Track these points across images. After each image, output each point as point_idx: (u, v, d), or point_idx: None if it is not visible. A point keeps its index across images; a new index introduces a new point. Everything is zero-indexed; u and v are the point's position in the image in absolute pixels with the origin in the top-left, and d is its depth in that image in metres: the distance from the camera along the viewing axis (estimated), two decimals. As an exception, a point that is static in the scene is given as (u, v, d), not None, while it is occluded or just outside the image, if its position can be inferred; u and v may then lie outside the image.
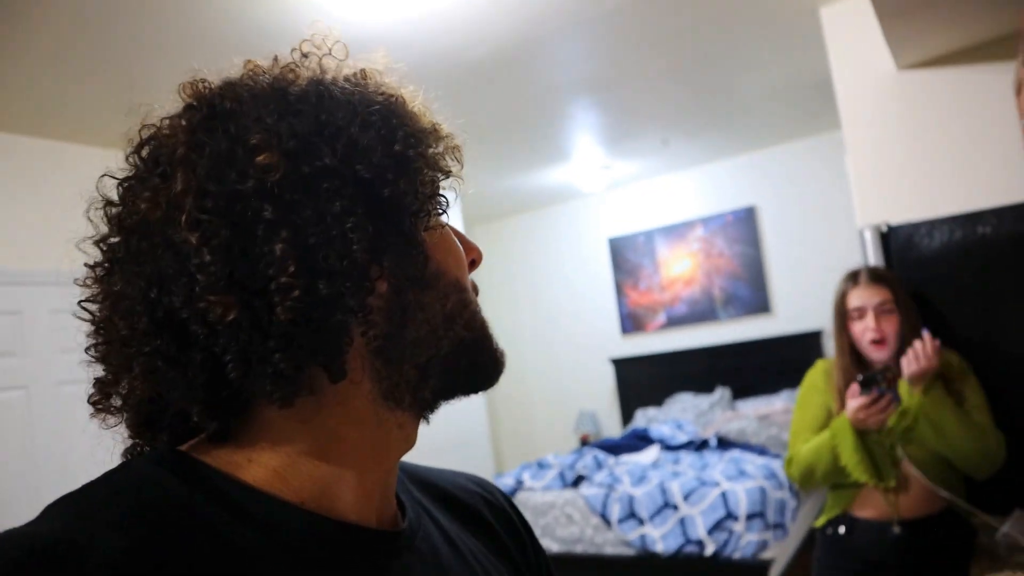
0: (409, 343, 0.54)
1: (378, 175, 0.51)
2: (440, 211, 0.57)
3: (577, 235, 6.20)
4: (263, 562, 0.47)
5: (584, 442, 5.55)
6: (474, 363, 0.58)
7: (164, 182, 0.50)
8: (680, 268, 5.69)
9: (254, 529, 0.48)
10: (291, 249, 0.47)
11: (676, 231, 5.70)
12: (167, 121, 0.53)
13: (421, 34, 2.76)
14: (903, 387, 1.82)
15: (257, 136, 0.49)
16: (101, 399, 0.53)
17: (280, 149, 0.49)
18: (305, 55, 0.57)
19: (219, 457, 0.51)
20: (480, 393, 0.60)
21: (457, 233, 0.61)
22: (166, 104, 0.55)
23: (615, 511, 3.68)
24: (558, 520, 3.81)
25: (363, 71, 0.57)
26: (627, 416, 5.80)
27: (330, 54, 0.58)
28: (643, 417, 5.43)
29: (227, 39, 2.58)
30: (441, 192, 0.57)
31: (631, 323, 5.93)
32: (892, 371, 1.78)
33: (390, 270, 0.52)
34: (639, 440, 4.83)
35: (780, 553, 3.48)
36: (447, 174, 0.57)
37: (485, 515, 0.69)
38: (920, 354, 1.78)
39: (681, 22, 3.02)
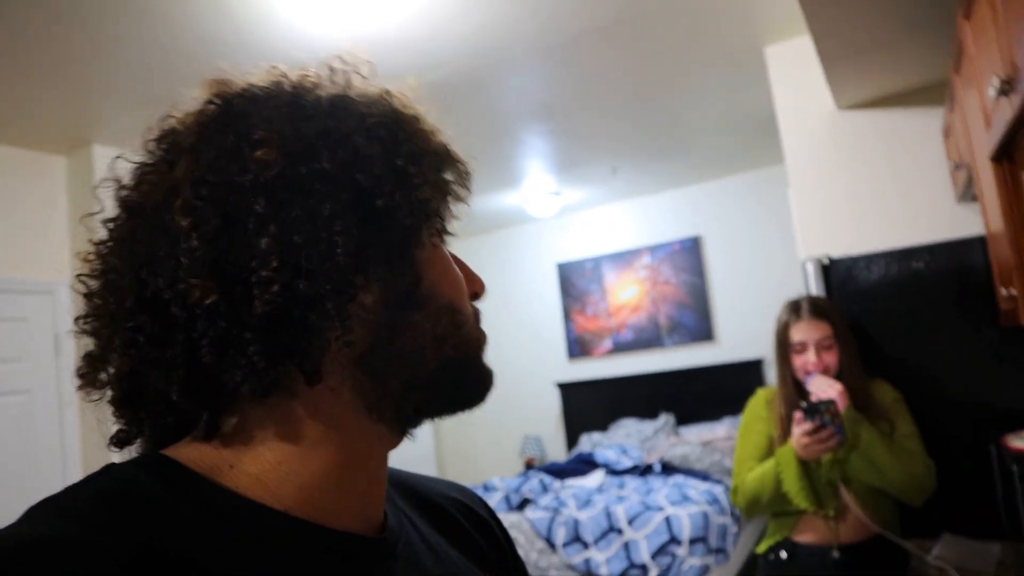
0: (395, 358, 0.54)
1: (375, 185, 0.52)
2: (436, 230, 0.57)
3: (526, 259, 6.24)
4: (247, 569, 0.47)
5: (529, 465, 5.55)
6: (460, 382, 0.58)
7: (169, 169, 0.51)
8: (627, 295, 5.77)
9: (238, 536, 0.48)
10: (276, 244, 0.48)
11: (624, 258, 5.79)
12: (185, 114, 0.54)
13: (375, 53, 2.75)
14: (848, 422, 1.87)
15: (260, 132, 0.50)
16: (88, 372, 0.53)
17: (281, 148, 0.50)
18: (333, 69, 0.58)
19: (202, 461, 0.51)
20: (466, 411, 0.60)
21: (462, 264, 0.62)
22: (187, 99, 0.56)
23: (560, 535, 3.68)
24: (503, 545, 3.80)
25: (387, 90, 0.58)
26: (572, 440, 5.82)
27: (357, 72, 0.58)
28: (588, 441, 5.46)
29: (180, 49, 2.56)
30: (440, 214, 0.57)
31: (578, 348, 5.98)
32: (834, 405, 1.83)
33: (378, 283, 0.52)
34: (584, 464, 4.85)
35: (721, 578, 3.54)
36: (448, 195, 0.58)
37: (466, 524, 0.69)
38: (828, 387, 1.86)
39: (632, 56, 3.10)
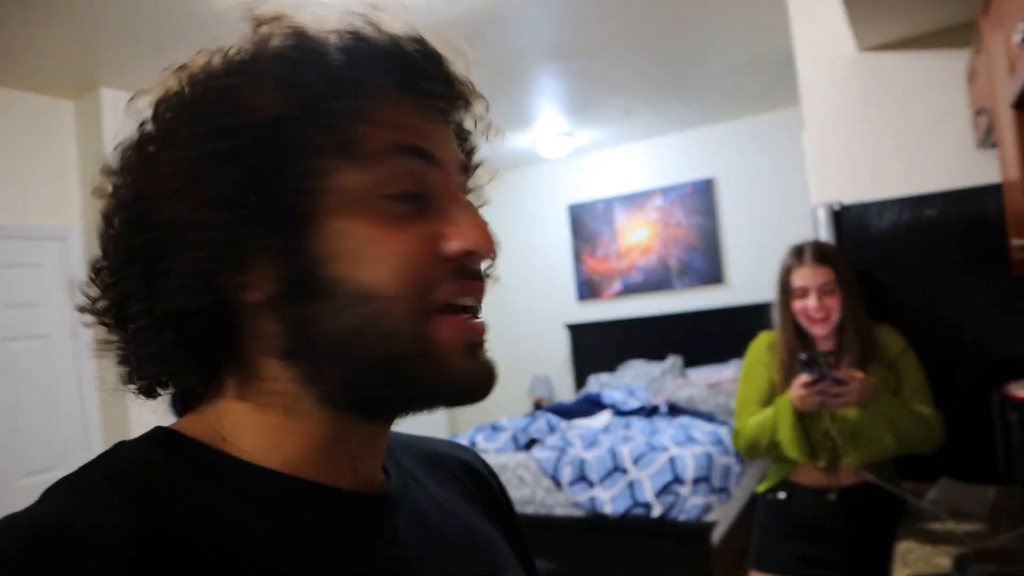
0: (317, 353, 0.50)
1: (248, 149, 0.47)
2: (342, 203, 0.48)
3: (537, 201, 6.21)
4: (258, 531, 0.48)
5: (538, 406, 5.63)
6: (404, 383, 0.51)
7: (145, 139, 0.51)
8: (638, 237, 5.76)
9: (247, 500, 0.49)
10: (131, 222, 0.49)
11: (635, 200, 5.76)
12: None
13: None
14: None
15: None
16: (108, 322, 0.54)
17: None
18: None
19: (203, 430, 0.52)
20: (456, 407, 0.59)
21: (454, 215, 0.51)
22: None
23: (566, 474, 3.76)
24: (510, 482, 3.89)
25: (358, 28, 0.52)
26: (580, 381, 5.89)
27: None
28: (596, 383, 5.52)
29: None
30: (353, 145, 0.48)
31: (587, 290, 6.00)
32: (834, 355, 1.83)
33: (264, 271, 0.48)
34: (591, 405, 4.92)
35: (724, 516, 3.62)
36: (384, 123, 0.49)
37: (467, 480, 0.70)
38: (852, 391, 1.80)
39: (649, -8, 3.02)
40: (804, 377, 1.82)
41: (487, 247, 0.51)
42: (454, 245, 0.50)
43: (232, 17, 0.53)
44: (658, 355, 5.52)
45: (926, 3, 2.35)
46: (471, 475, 0.72)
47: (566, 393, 6.01)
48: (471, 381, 0.52)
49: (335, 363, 0.49)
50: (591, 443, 3.99)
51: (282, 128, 0.46)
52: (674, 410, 4.63)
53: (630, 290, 5.81)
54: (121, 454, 0.50)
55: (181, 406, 0.55)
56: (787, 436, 1.90)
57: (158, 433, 0.52)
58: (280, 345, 0.50)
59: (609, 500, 3.62)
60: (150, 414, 0.56)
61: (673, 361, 5.37)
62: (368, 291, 0.47)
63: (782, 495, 2.02)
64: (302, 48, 0.49)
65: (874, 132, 2.73)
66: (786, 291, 1.99)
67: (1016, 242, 1.79)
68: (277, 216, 0.47)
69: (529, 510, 3.82)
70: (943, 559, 1.65)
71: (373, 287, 0.47)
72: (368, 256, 0.47)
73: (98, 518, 0.43)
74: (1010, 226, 1.88)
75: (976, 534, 1.73)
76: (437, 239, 0.50)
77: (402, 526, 0.56)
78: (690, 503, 3.50)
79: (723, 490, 3.69)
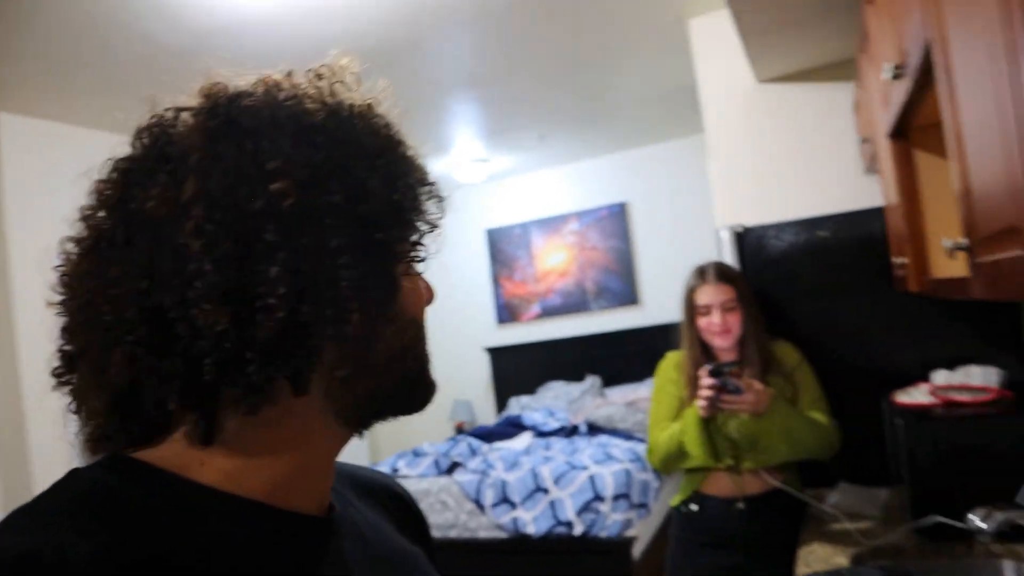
0: (364, 368, 0.57)
1: (376, 219, 0.55)
2: (422, 259, 0.62)
3: (455, 226, 6.23)
4: (218, 554, 0.50)
5: (459, 430, 5.63)
6: (412, 393, 0.63)
7: (173, 182, 0.51)
8: (555, 260, 5.87)
9: (208, 525, 0.51)
10: (285, 273, 0.50)
11: (551, 224, 5.88)
12: (180, 116, 0.54)
13: (300, 21, 2.73)
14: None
15: (275, 162, 0.51)
16: (65, 372, 0.54)
17: (294, 178, 0.51)
18: (319, 76, 0.59)
19: (174, 459, 0.53)
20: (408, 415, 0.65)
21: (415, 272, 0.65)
22: (169, 96, 0.56)
23: (488, 496, 3.78)
24: (433, 507, 3.88)
25: (370, 104, 0.60)
26: (501, 404, 5.93)
27: (342, 81, 0.59)
28: (517, 405, 5.57)
29: (88, 10, 2.46)
30: (423, 242, 0.62)
31: (507, 313, 6.06)
32: (738, 366, 1.96)
33: (364, 303, 0.55)
34: (512, 427, 4.97)
35: (644, 530, 3.71)
36: (433, 226, 0.62)
37: (393, 505, 0.76)
38: (747, 399, 1.91)
39: (558, 26, 3.13)
40: (706, 380, 1.92)
41: (434, 295, 0.67)
42: (429, 294, 0.65)
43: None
44: (577, 376, 5.62)
45: (815, 41, 2.53)
46: (395, 500, 0.77)
47: (488, 416, 6.03)
48: (433, 393, 0.65)
49: (380, 377, 0.59)
50: (512, 465, 4.03)
51: (405, 217, 0.59)
52: (593, 429, 4.72)
53: (548, 313, 5.90)
54: (78, 482, 0.51)
55: (127, 440, 0.55)
56: (692, 440, 2.00)
57: (116, 461, 0.53)
58: (334, 362, 0.55)
59: (531, 521, 3.65)
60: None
61: (592, 381, 5.48)
62: (415, 318, 0.62)
63: (694, 507, 2.11)
64: (406, 151, 0.61)
65: (773, 158, 2.89)
66: (691, 309, 2.10)
67: (896, 261, 1.94)
68: (391, 268, 0.58)
69: (453, 534, 3.82)
70: (841, 558, 1.76)
71: (417, 315, 0.62)
72: (414, 292, 0.62)
73: (66, 547, 0.44)
74: (892, 246, 2.04)
75: (871, 532, 1.85)
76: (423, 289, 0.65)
77: (347, 546, 0.61)
78: (611, 520, 3.58)
79: (642, 505, 3.78)
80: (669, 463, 2.10)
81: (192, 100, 0.56)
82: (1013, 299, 0.77)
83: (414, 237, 0.60)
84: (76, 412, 0.55)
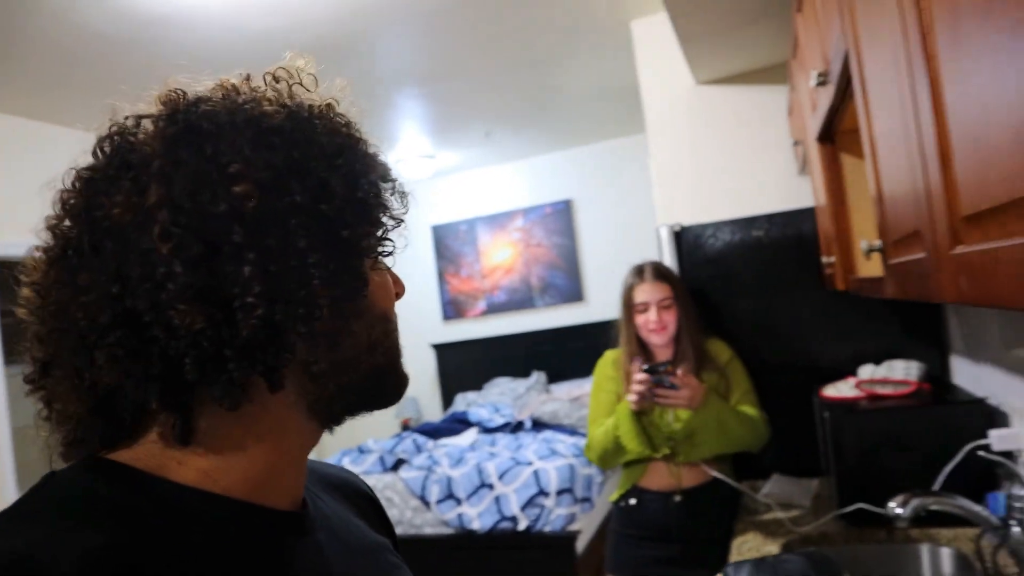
0: (335, 364, 0.59)
1: (340, 217, 0.56)
2: (388, 253, 0.63)
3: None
4: (202, 552, 0.52)
5: (405, 427, 5.62)
6: (383, 387, 0.64)
7: (136, 188, 0.52)
8: (500, 257, 5.89)
9: (190, 524, 0.52)
10: (258, 272, 0.51)
11: (497, 221, 5.90)
12: (139, 124, 0.55)
13: (241, 14, 2.69)
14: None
15: (236, 165, 0.52)
16: (39, 378, 0.55)
17: (255, 180, 0.52)
18: (276, 79, 0.60)
19: (150, 460, 0.54)
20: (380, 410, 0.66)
21: (387, 268, 0.67)
22: (125, 102, 0.56)
23: (434, 492, 3.79)
24: (378, 503, 3.87)
25: (329, 104, 0.61)
26: (448, 400, 5.94)
27: (299, 83, 0.61)
28: (463, 401, 5.59)
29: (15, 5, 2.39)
30: (389, 236, 0.63)
31: (452, 309, 6.07)
32: (672, 364, 2.01)
33: (333, 300, 0.56)
34: (458, 423, 4.98)
35: (587, 525, 3.76)
36: (398, 221, 0.63)
37: (357, 499, 0.78)
38: (682, 395, 1.98)
39: (504, 24, 3.15)
40: (638, 376, 1.97)
41: (404, 288, 0.69)
42: (398, 288, 0.68)
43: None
44: (523, 372, 5.66)
45: (751, 45, 2.60)
46: (359, 495, 0.79)
47: (434, 413, 6.03)
48: (405, 387, 0.67)
49: (351, 371, 0.60)
50: (458, 461, 4.04)
51: (369, 214, 0.60)
52: (538, 425, 4.76)
53: (494, 309, 5.93)
54: (59, 485, 0.51)
55: (100, 442, 0.56)
56: (627, 433, 2.06)
57: (94, 462, 0.53)
58: (305, 358, 0.56)
59: (477, 516, 3.68)
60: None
61: (537, 377, 5.53)
62: (385, 312, 0.63)
63: (632, 501, 2.15)
64: (367, 149, 0.62)
65: (711, 158, 2.96)
66: (628, 306, 2.15)
67: (825, 260, 2.02)
68: (359, 264, 0.60)
69: (399, 531, 3.80)
70: (773, 547, 1.83)
71: (387, 310, 0.64)
72: (383, 287, 0.64)
73: (57, 551, 0.44)
74: (821, 245, 2.12)
75: (801, 521, 1.92)
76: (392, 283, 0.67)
77: (322, 540, 0.63)
78: (555, 514, 3.62)
79: (586, 500, 3.84)
80: (606, 458, 2.15)
81: (151, 107, 0.57)
82: (919, 299, 0.81)
83: (379, 232, 0.61)
84: (47, 418, 0.56)
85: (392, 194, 0.63)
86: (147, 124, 0.55)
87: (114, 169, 0.54)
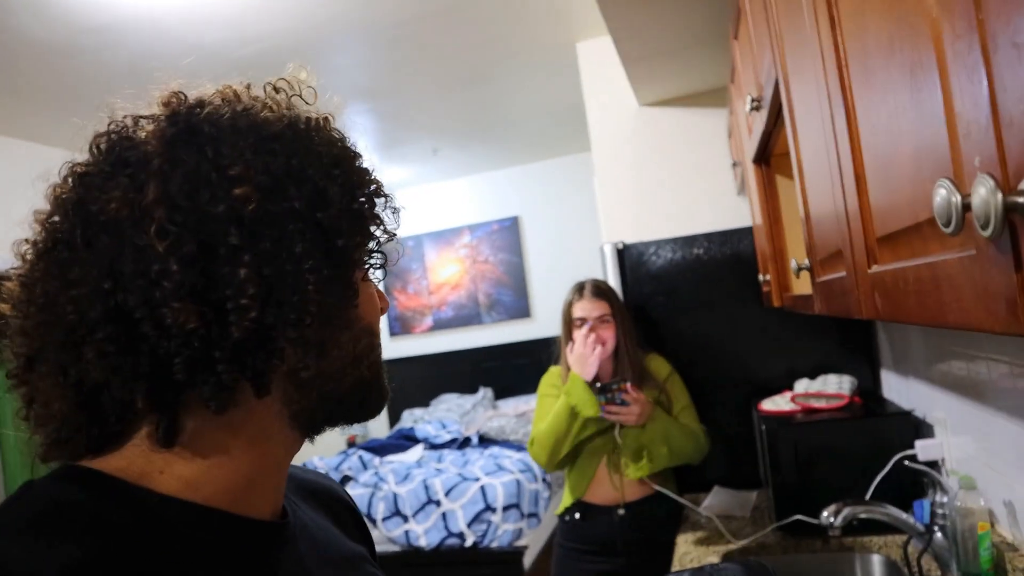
0: (320, 373, 0.58)
1: (335, 226, 0.57)
2: (378, 267, 0.64)
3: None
4: (183, 566, 0.51)
5: (351, 444, 5.56)
6: (365, 399, 0.64)
7: (134, 185, 0.51)
8: (448, 273, 5.90)
9: (170, 536, 0.51)
10: (252, 274, 0.51)
11: (444, 237, 5.91)
12: (138, 122, 0.55)
13: (180, 25, 2.67)
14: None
15: (236, 168, 0.52)
16: (23, 374, 0.53)
17: (255, 183, 0.53)
18: (277, 90, 0.61)
19: (131, 468, 0.53)
20: (362, 422, 0.66)
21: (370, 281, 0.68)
22: (125, 103, 0.56)
23: (380, 510, 3.76)
24: (322, 522, 3.82)
25: (326, 118, 0.62)
26: (395, 417, 5.90)
27: (299, 95, 0.62)
28: (410, 417, 5.56)
29: None
30: (380, 250, 0.64)
31: (399, 325, 6.04)
32: (624, 383, 2.05)
33: (324, 308, 0.56)
34: (405, 440, 4.95)
35: (534, 540, 3.78)
36: (390, 236, 0.64)
37: (336, 506, 0.78)
38: (632, 411, 2.04)
39: (451, 43, 3.18)
40: (580, 333, 2.09)
41: (388, 304, 0.71)
42: (383, 303, 0.68)
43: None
44: (470, 388, 5.67)
45: (691, 69, 2.68)
46: (338, 501, 0.79)
47: (380, 430, 5.98)
48: (386, 400, 0.67)
49: (336, 383, 0.60)
50: (404, 478, 4.02)
51: (363, 224, 0.61)
52: (485, 441, 4.77)
53: (441, 325, 5.92)
54: (37, 497, 0.50)
55: (85, 446, 0.55)
56: (580, 398, 2.07)
57: (73, 471, 0.52)
58: (292, 366, 0.56)
59: (423, 533, 3.66)
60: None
61: (484, 393, 5.53)
62: (371, 326, 0.64)
63: (577, 515, 2.18)
64: (361, 163, 0.64)
65: (653, 178, 3.03)
66: (568, 322, 2.19)
67: (761, 278, 2.08)
68: (351, 274, 0.60)
69: (342, 550, 3.77)
70: (713, 557, 1.87)
71: (372, 324, 0.64)
72: (370, 300, 0.64)
73: (36, 565, 0.44)
74: (759, 264, 2.19)
75: (741, 532, 1.97)
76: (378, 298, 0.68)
77: (302, 549, 0.63)
78: (501, 530, 3.63)
79: (533, 515, 3.85)
80: (557, 444, 2.11)
81: (150, 109, 0.57)
82: (842, 316, 0.86)
83: (371, 245, 0.62)
84: (26, 417, 0.55)
85: (385, 209, 0.64)
86: (146, 124, 0.55)
87: (111, 165, 0.53)
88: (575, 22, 3.08)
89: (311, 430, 0.62)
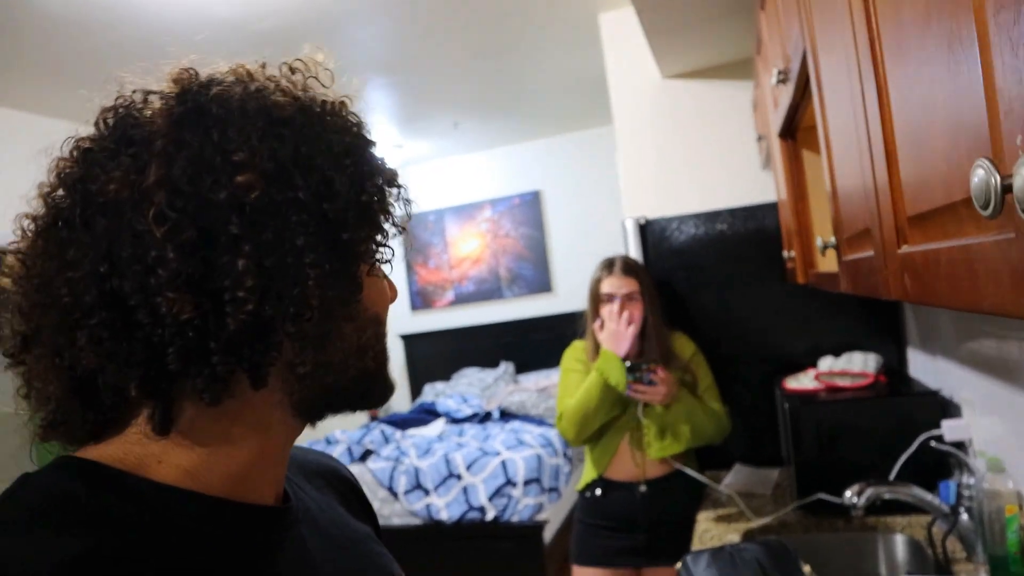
0: (322, 364, 0.57)
1: (341, 218, 0.55)
2: (386, 260, 0.62)
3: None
4: (183, 555, 0.50)
5: (373, 417, 5.60)
6: (370, 390, 0.63)
7: (136, 166, 0.50)
8: (469, 247, 5.89)
9: (170, 525, 0.51)
10: (252, 266, 0.50)
11: (466, 211, 5.89)
12: (147, 99, 0.53)
13: (200, 0, 2.65)
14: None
15: (241, 154, 0.51)
16: (19, 353, 0.53)
17: (260, 170, 0.51)
18: (293, 70, 0.59)
19: (127, 458, 0.52)
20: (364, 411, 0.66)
21: (379, 271, 0.66)
22: (136, 78, 0.55)
23: (402, 483, 3.80)
24: (345, 495, 3.87)
25: (342, 102, 0.59)
26: (416, 391, 5.93)
27: (315, 77, 0.59)
28: (431, 391, 5.59)
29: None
30: (389, 243, 0.62)
31: (421, 300, 6.05)
32: (654, 364, 2.03)
33: (326, 299, 0.55)
34: (426, 414, 4.98)
35: (555, 514, 3.80)
36: (400, 229, 0.62)
37: (340, 485, 0.78)
38: (659, 391, 2.03)
39: (472, 14, 3.14)
40: (609, 309, 2.09)
41: (396, 293, 0.68)
42: (392, 292, 0.67)
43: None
44: (491, 362, 5.68)
45: (717, 40, 2.62)
46: (342, 481, 0.79)
47: (402, 403, 6.02)
48: (391, 392, 0.66)
49: (337, 373, 0.59)
50: (425, 452, 4.05)
51: (371, 217, 0.59)
52: (506, 415, 4.78)
53: (462, 300, 5.93)
54: (34, 489, 0.49)
55: (83, 431, 0.54)
56: (613, 369, 2.05)
57: (71, 462, 0.52)
58: (292, 356, 0.55)
59: (444, 507, 3.69)
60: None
61: (505, 368, 5.54)
62: (377, 316, 0.62)
63: (598, 491, 2.18)
64: (375, 152, 0.62)
65: (676, 152, 2.99)
66: (596, 298, 2.17)
67: (786, 254, 2.05)
68: (356, 268, 0.58)
69: (365, 522, 3.81)
70: (734, 535, 1.86)
71: (379, 313, 0.63)
72: (376, 290, 0.62)
73: (33, 560, 0.43)
74: (783, 240, 2.15)
75: (762, 510, 1.96)
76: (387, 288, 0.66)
77: (305, 532, 0.62)
78: (522, 504, 3.65)
79: (553, 490, 3.87)
80: (587, 420, 2.10)
81: (161, 84, 0.55)
82: (871, 296, 0.83)
83: (379, 238, 0.60)
84: (27, 396, 0.54)
85: (397, 200, 0.62)
86: (155, 100, 0.54)
87: (115, 142, 0.52)
88: (597, -8, 3.02)
89: (313, 417, 0.61)
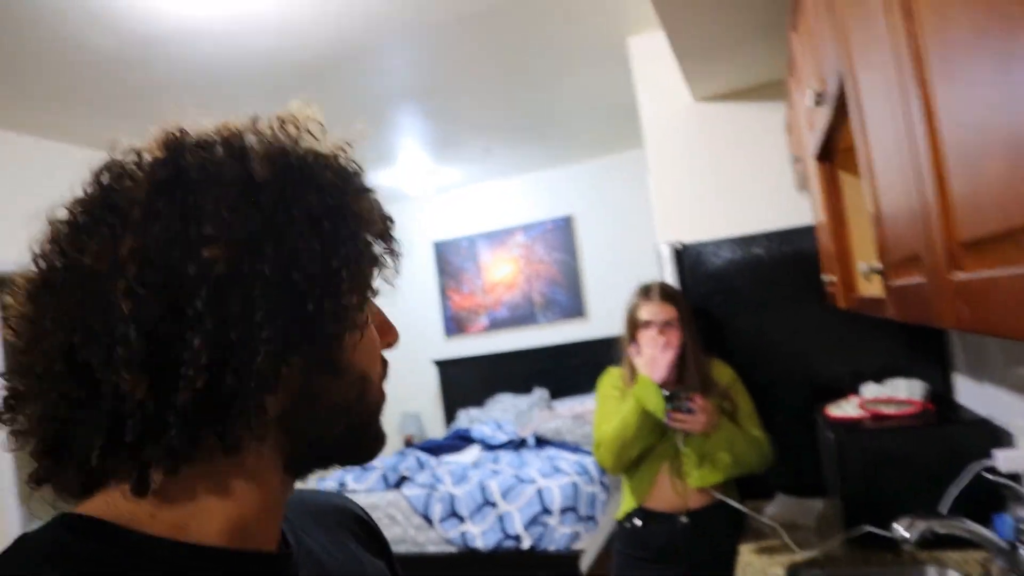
0: (311, 420, 0.57)
1: (308, 288, 0.53)
2: (363, 323, 0.60)
3: (402, 238, 6.20)
4: None
5: (408, 443, 5.59)
6: (359, 444, 0.63)
7: (113, 235, 0.50)
8: (502, 273, 5.89)
9: (165, 572, 0.51)
10: (208, 342, 0.49)
11: (498, 237, 5.90)
12: (140, 157, 0.54)
13: (236, 32, 2.70)
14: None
15: (211, 226, 0.50)
16: (6, 412, 0.53)
17: (227, 242, 0.50)
18: (283, 123, 0.58)
19: (120, 515, 0.52)
20: (356, 465, 0.65)
21: (379, 314, 0.65)
22: (130, 128, 0.56)
23: (437, 510, 3.77)
24: (381, 521, 3.84)
25: (335, 155, 0.58)
26: (450, 416, 5.91)
27: (308, 131, 0.58)
28: (466, 417, 5.56)
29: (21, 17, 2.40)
30: (364, 306, 0.59)
31: (454, 325, 6.05)
32: (693, 390, 1.99)
33: (301, 361, 0.55)
34: (461, 440, 4.96)
35: (591, 544, 3.73)
36: (379, 268, 0.61)
37: (352, 523, 0.77)
38: (699, 420, 1.98)
39: (502, 41, 3.16)
40: (650, 334, 2.04)
41: (398, 337, 0.67)
42: (389, 339, 0.66)
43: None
44: (525, 388, 5.64)
45: (748, 62, 2.60)
46: (353, 519, 0.78)
47: (436, 429, 6.00)
48: (382, 445, 0.65)
49: (326, 429, 0.59)
50: (460, 479, 4.02)
51: (339, 288, 0.56)
52: (541, 442, 4.73)
53: (496, 325, 5.91)
54: (30, 545, 0.50)
55: (61, 487, 0.54)
56: (649, 395, 2.00)
57: (64, 519, 0.52)
58: (281, 413, 0.55)
59: (480, 534, 3.65)
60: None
61: (539, 394, 5.50)
62: (364, 373, 0.61)
63: (637, 522, 2.13)
64: (364, 206, 0.59)
65: (710, 175, 2.96)
66: (633, 324, 2.13)
67: (825, 278, 2.00)
68: (325, 339, 0.56)
69: (401, 549, 3.79)
70: (777, 568, 1.80)
71: (366, 371, 0.61)
72: (365, 346, 0.61)
73: None
74: (822, 263, 2.10)
75: (806, 543, 1.89)
76: (379, 335, 0.64)
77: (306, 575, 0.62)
78: (558, 533, 3.59)
79: (590, 518, 3.81)
80: (625, 447, 2.05)
81: (151, 142, 0.55)
82: (920, 323, 0.80)
83: (356, 299, 0.57)
84: (15, 452, 0.55)
85: (385, 253, 0.61)
86: (145, 160, 0.54)
87: (99, 209, 0.52)
88: (626, 17, 3.02)
89: (302, 472, 0.61)
